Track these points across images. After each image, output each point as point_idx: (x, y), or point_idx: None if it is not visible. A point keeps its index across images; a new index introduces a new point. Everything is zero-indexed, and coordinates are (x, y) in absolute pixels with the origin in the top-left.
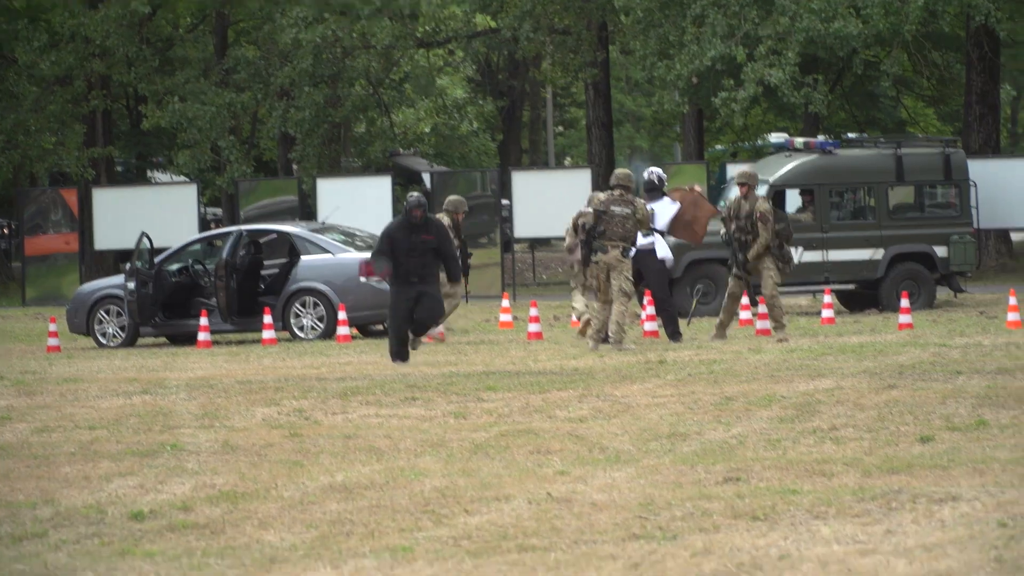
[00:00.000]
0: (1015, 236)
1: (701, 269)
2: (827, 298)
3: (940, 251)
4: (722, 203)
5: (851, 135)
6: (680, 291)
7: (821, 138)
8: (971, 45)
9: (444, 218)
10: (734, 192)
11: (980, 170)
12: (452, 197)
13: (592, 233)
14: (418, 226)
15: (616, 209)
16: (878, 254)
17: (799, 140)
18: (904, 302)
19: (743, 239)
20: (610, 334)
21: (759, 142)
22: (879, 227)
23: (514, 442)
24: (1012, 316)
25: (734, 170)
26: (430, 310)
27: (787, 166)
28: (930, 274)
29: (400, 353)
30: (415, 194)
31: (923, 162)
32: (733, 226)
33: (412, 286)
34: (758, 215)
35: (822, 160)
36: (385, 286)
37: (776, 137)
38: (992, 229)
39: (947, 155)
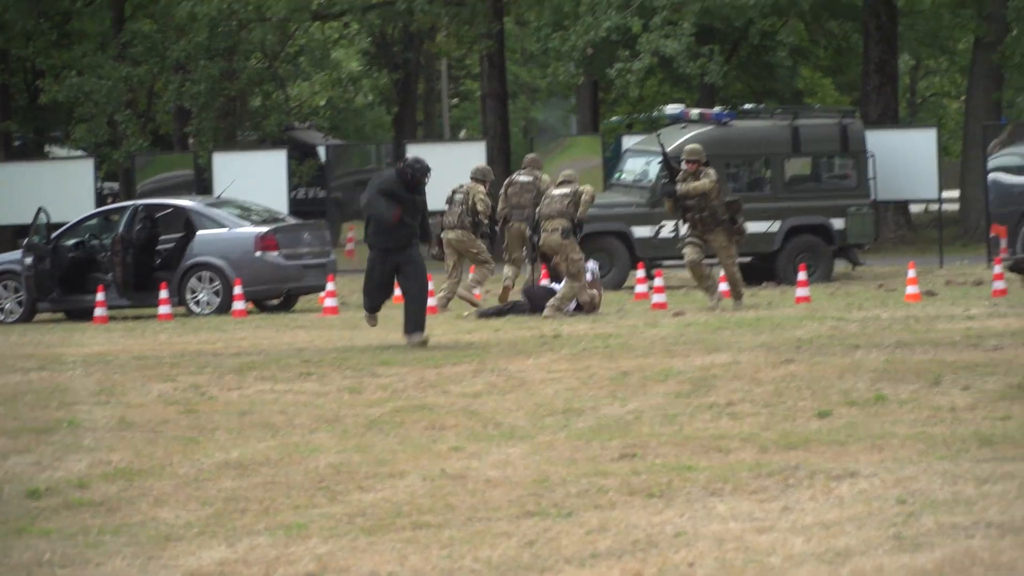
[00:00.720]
0: (914, 208)
1: (596, 242)
2: (723, 271)
3: (837, 223)
4: (617, 174)
5: (748, 106)
6: None
7: (717, 109)
8: (868, 14)
9: (478, 187)
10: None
11: (878, 141)
12: (480, 165)
13: (537, 220)
14: (415, 187)
15: (555, 191)
16: (774, 226)
17: (695, 111)
18: (801, 275)
19: (697, 217)
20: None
21: (655, 113)
22: (775, 199)
23: (408, 418)
24: (911, 289)
25: (629, 142)
26: (420, 286)
27: (682, 138)
28: (827, 246)
29: (372, 319)
30: (418, 157)
31: (820, 133)
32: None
33: (394, 253)
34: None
35: (718, 132)
36: (282, 260)
37: (672, 108)
38: (891, 201)
39: (844, 126)
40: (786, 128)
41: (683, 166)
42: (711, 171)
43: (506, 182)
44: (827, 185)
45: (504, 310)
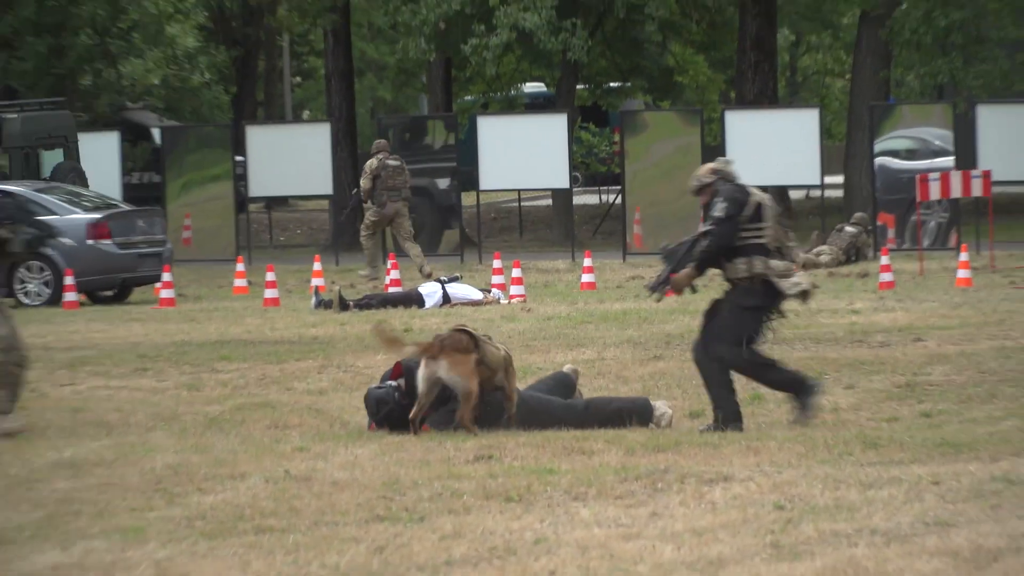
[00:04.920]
0: (794, 195)
1: None
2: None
3: None
4: None
5: (613, 84)
6: None
7: None
8: None
9: None
10: None
11: (756, 122)
12: None
13: None
14: None
15: None
16: None
17: None
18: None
19: None
20: None
21: (512, 92)
22: None
23: (250, 416)
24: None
25: (484, 124)
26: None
27: None
28: None
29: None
30: None
31: None
32: None
33: None
34: None
35: None
36: (115, 249)
37: (531, 87)
38: (769, 186)
39: None
40: None
41: None
42: None
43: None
44: None
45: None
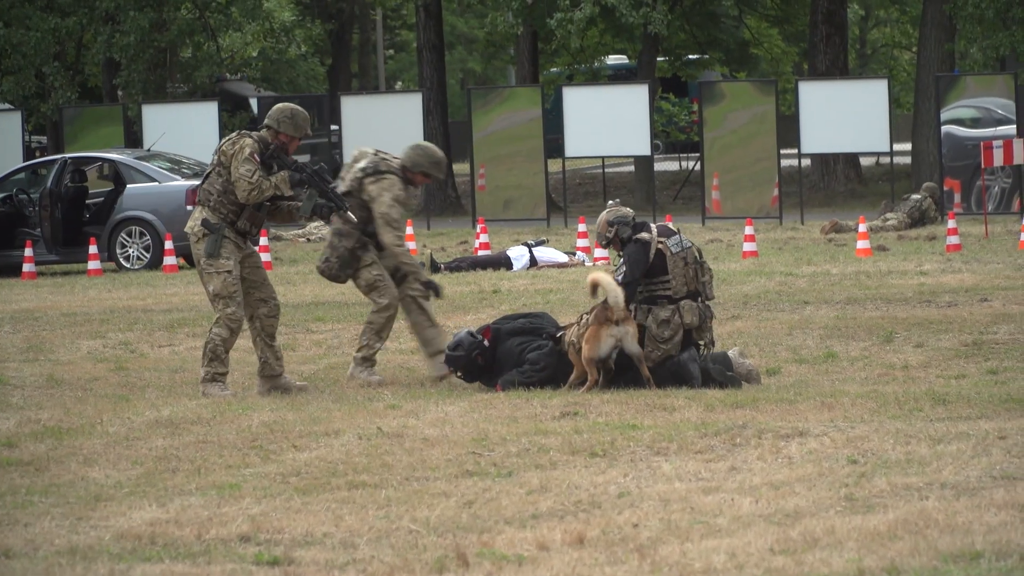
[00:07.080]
0: (864, 161)
1: None
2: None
3: None
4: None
5: (692, 56)
6: None
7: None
8: None
9: None
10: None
11: (827, 92)
12: None
13: None
14: None
15: None
16: None
17: None
18: (748, 229)
19: None
20: None
21: (596, 64)
22: None
23: (343, 375)
24: (862, 244)
25: (570, 94)
26: None
27: None
28: None
29: None
30: None
31: None
32: None
33: None
34: None
35: None
36: None
37: (614, 59)
38: (840, 153)
39: None
40: None
41: None
42: None
43: None
44: None
45: None
